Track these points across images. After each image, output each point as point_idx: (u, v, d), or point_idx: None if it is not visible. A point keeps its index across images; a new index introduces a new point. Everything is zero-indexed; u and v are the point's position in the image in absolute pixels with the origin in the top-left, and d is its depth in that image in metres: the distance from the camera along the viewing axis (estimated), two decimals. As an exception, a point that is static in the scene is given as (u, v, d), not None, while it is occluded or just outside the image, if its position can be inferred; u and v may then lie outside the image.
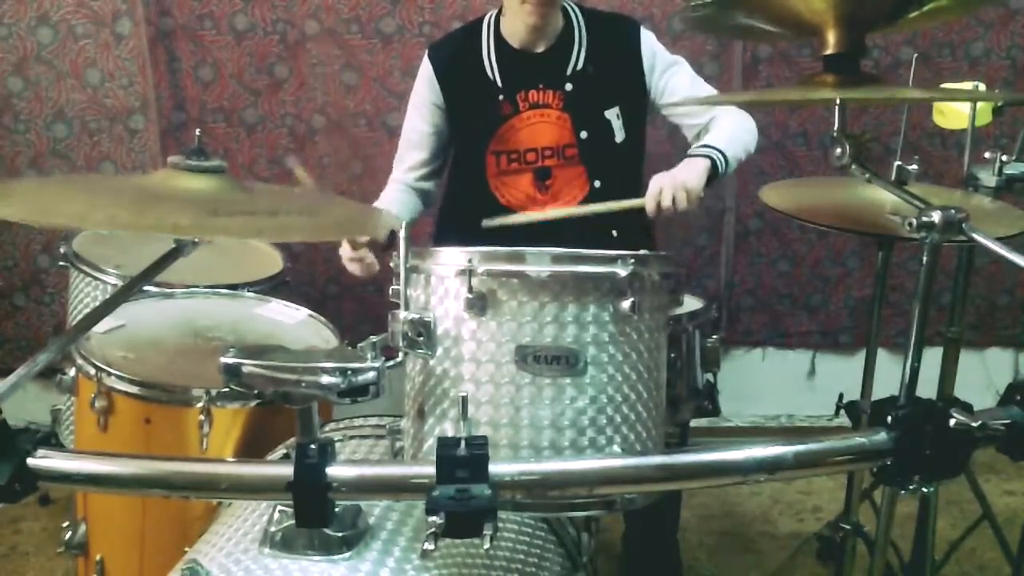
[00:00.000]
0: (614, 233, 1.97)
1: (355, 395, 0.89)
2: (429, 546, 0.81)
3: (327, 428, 1.47)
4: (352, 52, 2.69)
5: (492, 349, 1.04)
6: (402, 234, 1.04)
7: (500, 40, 1.95)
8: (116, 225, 0.91)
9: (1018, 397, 0.87)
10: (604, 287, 1.05)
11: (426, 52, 2.01)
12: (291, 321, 1.84)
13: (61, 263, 2.12)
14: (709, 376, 1.49)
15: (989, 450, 0.87)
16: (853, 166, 1.06)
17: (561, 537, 1.32)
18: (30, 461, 0.83)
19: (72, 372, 1.67)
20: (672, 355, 1.34)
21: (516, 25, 1.91)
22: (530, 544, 1.26)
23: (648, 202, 1.75)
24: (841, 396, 1.94)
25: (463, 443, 0.82)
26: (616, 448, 1.06)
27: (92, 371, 1.55)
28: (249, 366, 0.89)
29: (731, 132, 1.91)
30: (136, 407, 1.54)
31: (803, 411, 3.10)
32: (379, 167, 2.70)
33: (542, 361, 1.03)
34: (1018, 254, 0.96)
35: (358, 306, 2.87)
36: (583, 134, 1.94)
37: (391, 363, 0.94)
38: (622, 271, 1.04)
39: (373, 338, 0.94)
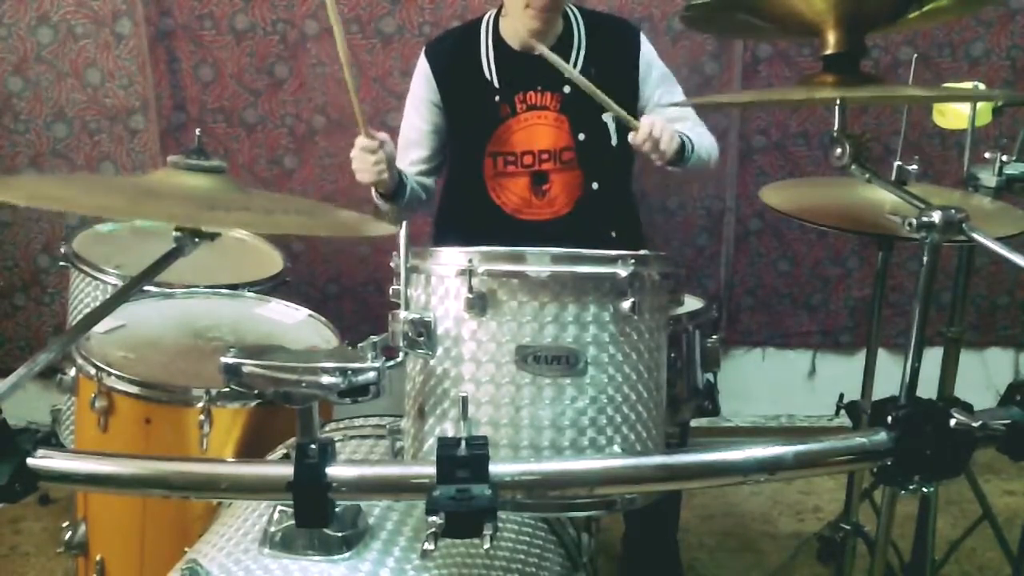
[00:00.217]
0: (613, 234, 1.98)
1: (355, 395, 0.89)
2: (429, 546, 0.81)
3: (327, 428, 1.47)
4: (352, 52, 2.69)
5: (492, 349, 1.04)
6: (402, 234, 1.04)
7: (499, 41, 1.95)
8: (110, 212, 0.91)
9: (1018, 397, 0.87)
10: (604, 287, 1.05)
11: (422, 50, 2.01)
12: (291, 321, 1.84)
13: (61, 263, 2.12)
14: (709, 376, 1.49)
15: (989, 450, 0.87)
16: (853, 166, 1.06)
17: (561, 537, 1.32)
18: (30, 461, 0.83)
19: (72, 372, 1.67)
20: (672, 355, 1.33)
21: (517, 28, 1.91)
22: (530, 544, 1.26)
23: (643, 126, 1.76)
24: (841, 396, 1.94)
25: (463, 443, 0.82)
26: (616, 448, 1.06)
27: (92, 371, 1.55)
28: (249, 366, 0.88)
29: (699, 139, 1.94)
30: (136, 407, 1.54)
31: (803, 411, 3.10)
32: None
33: (542, 361, 1.03)
34: (1018, 254, 0.96)
35: (358, 306, 2.87)
36: (581, 136, 1.94)
37: (391, 363, 0.94)
38: (622, 271, 1.04)
39: (373, 338, 0.94)
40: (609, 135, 1.96)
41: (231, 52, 2.67)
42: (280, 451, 1.40)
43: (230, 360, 0.89)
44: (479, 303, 1.04)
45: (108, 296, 1.95)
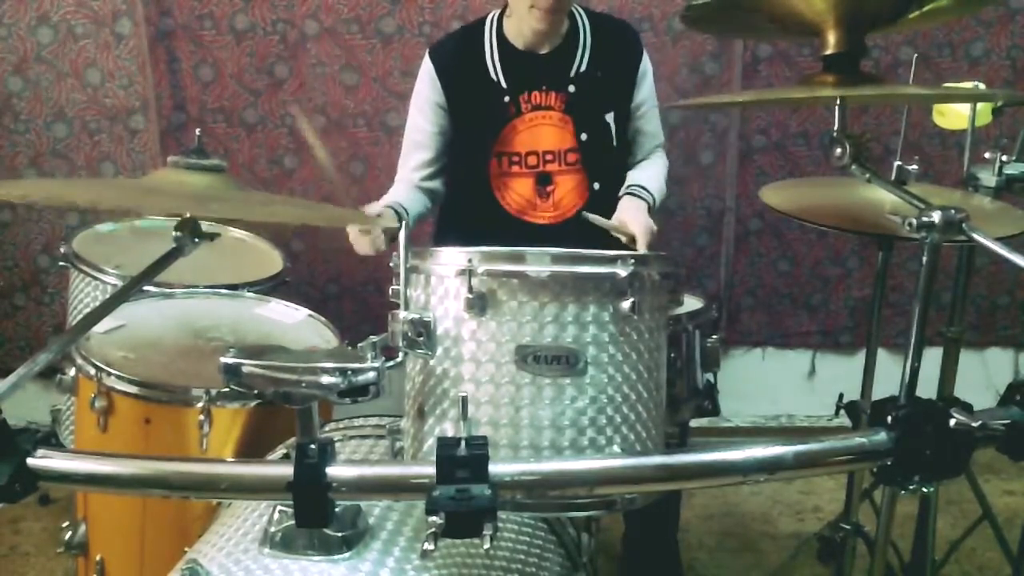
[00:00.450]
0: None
1: (355, 395, 0.89)
2: (429, 546, 0.81)
3: (327, 428, 1.47)
4: (352, 52, 2.69)
5: (492, 349, 1.04)
6: (402, 234, 1.04)
7: (503, 41, 1.95)
8: (102, 203, 0.90)
9: (1018, 397, 0.87)
10: (604, 287, 1.05)
11: (427, 52, 2.01)
12: (291, 321, 1.84)
13: (61, 263, 2.12)
14: (709, 376, 1.49)
15: (989, 450, 0.87)
16: (853, 166, 1.06)
17: (561, 537, 1.32)
18: (30, 461, 0.83)
19: (72, 372, 1.66)
20: (672, 355, 1.34)
21: (522, 29, 1.91)
22: (530, 544, 1.26)
23: (639, 238, 1.75)
24: (841, 396, 1.94)
25: (463, 443, 0.82)
26: (616, 448, 1.06)
27: (92, 371, 1.55)
28: (249, 366, 0.88)
29: (659, 184, 2.00)
30: (136, 407, 1.54)
31: (803, 411, 3.10)
32: (379, 167, 2.72)
33: (542, 361, 1.03)
34: (1018, 254, 0.96)
35: (358, 306, 2.87)
36: (584, 136, 1.94)
37: (391, 363, 0.94)
38: (622, 271, 1.04)
39: (373, 338, 0.93)
40: (611, 136, 1.96)
41: (231, 52, 2.67)
42: (280, 451, 1.40)
43: (230, 360, 0.89)
44: (479, 303, 1.04)
45: (108, 296, 1.95)
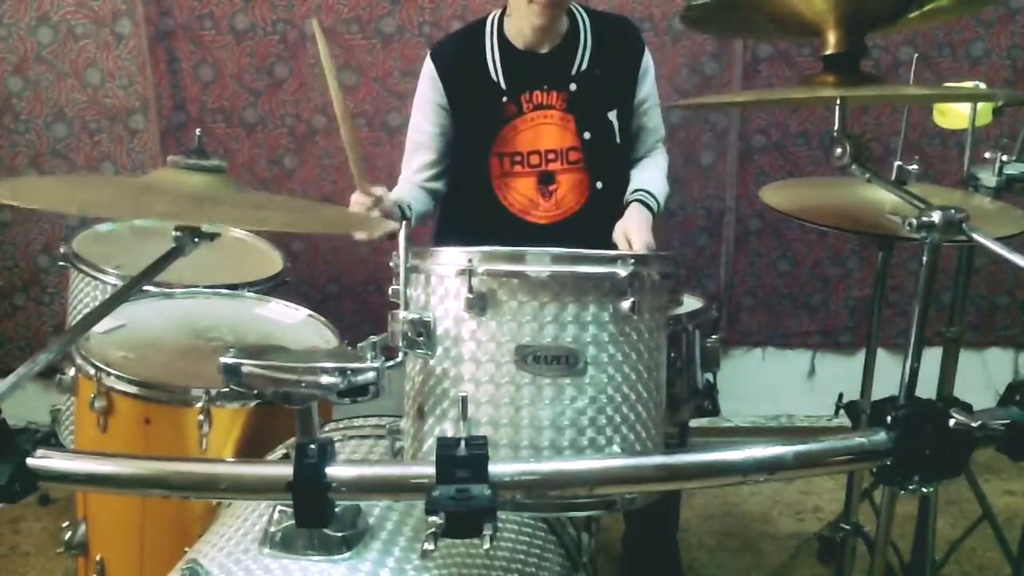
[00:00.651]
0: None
1: (355, 395, 0.89)
2: (429, 546, 0.81)
3: (327, 428, 1.47)
4: (352, 52, 2.69)
5: (492, 349, 1.04)
6: (402, 234, 1.04)
7: (504, 41, 1.95)
8: (95, 207, 0.90)
9: (1018, 397, 0.87)
10: (604, 287, 1.05)
11: (428, 53, 2.01)
12: (291, 321, 1.84)
13: (61, 263, 2.11)
14: (709, 376, 1.49)
15: (989, 450, 0.86)
16: (853, 166, 1.06)
17: (561, 537, 1.32)
18: (30, 461, 0.83)
19: (72, 372, 1.66)
20: (672, 355, 1.34)
21: (522, 26, 1.90)
22: (530, 544, 1.26)
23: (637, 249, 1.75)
24: (841, 396, 1.94)
25: (463, 443, 0.82)
26: (616, 448, 1.06)
27: (92, 371, 1.55)
28: (249, 366, 0.88)
29: (662, 187, 1.98)
30: (136, 407, 1.54)
31: (803, 411, 3.10)
32: (379, 167, 2.71)
33: (542, 361, 1.03)
34: (1018, 254, 0.96)
35: (358, 306, 2.87)
36: (586, 135, 1.94)
37: (391, 363, 0.93)
38: (622, 271, 1.04)
39: (373, 338, 0.93)
40: (614, 133, 1.96)
41: (231, 52, 2.67)
42: (280, 451, 1.40)
43: (230, 360, 0.89)
44: (479, 303, 1.04)
45: (108, 296, 1.95)
